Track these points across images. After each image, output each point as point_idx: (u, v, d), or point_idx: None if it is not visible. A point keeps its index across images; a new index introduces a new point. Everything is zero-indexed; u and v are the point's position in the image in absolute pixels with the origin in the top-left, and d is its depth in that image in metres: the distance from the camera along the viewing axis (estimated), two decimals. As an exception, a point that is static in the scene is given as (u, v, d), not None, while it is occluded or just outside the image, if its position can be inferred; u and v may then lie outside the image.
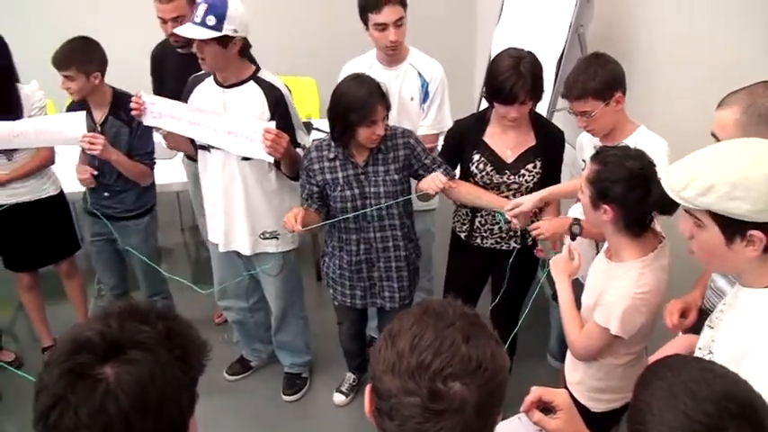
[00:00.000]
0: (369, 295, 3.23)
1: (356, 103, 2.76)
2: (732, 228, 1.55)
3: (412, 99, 3.38)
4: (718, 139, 1.89)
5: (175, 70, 3.44)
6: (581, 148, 3.02)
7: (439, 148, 3.32)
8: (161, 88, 3.72)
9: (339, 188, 2.96)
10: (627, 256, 2.25)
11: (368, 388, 1.20)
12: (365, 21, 3.25)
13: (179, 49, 3.61)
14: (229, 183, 3.19)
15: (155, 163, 3.57)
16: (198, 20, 2.87)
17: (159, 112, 3.18)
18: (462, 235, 3.22)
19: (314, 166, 2.98)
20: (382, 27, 3.20)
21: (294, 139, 3.11)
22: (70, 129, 3.24)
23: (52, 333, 4.14)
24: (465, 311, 1.19)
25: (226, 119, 3.04)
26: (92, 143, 3.20)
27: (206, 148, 3.17)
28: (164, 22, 3.58)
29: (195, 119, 3.10)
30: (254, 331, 3.83)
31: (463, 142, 3.03)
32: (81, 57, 3.25)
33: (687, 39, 3.23)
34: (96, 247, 3.75)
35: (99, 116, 3.40)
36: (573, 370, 2.55)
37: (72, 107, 3.43)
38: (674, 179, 1.60)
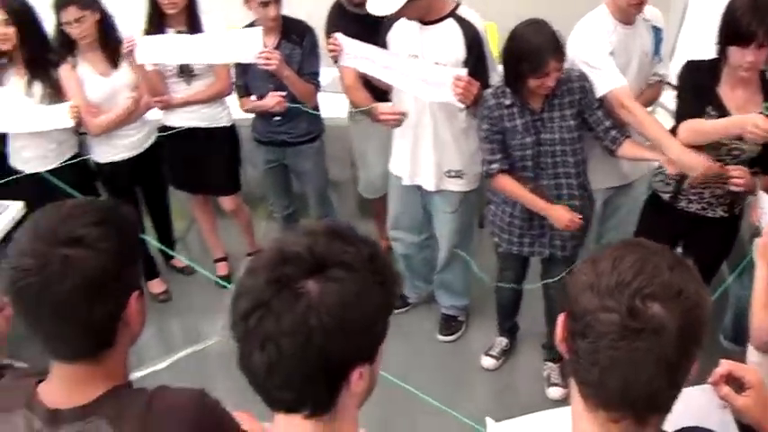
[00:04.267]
0: (538, 244, 3.16)
1: (529, 54, 2.69)
2: None
3: (647, 55, 3.14)
4: None
5: (349, 32, 3.37)
6: None
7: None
8: None
9: (519, 135, 2.91)
10: None
11: (561, 317, 1.16)
12: None
13: (353, 9, 3.56)
14: (419, 117, 3.22)
15: (320, 84, 3.67)
16: None
17: (355, 54, 3.23)
18: (666, 196, 3.04)
19: (494, 114, 2.93)
20: None
21: (487, 80, 3.07)
22: (247, 45, 3.35)
23: (224, 246, 4.36)
24: (673, 252, 1.14)
25: (417, 65, 3.05)
26: (268, 58, 3.30)
27: None
28: None
29: (389, 63, 3.14)
30: (418, 268, 3.86)
31: (696, 89, 2.78)
32: None
33: None
34: (270, 174, 3.91)
35: (270, 42, 3.48)
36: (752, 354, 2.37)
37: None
38: None
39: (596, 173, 3.17)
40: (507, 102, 2.91)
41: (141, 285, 1.32)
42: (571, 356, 1.13)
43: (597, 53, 2.93)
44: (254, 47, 3.32)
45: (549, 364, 3.48)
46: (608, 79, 2.90)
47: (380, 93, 3.36)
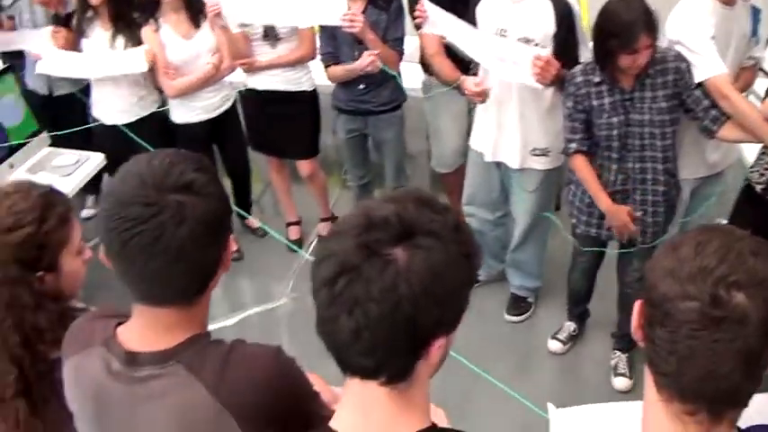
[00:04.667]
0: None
1: (620, 29, 2.61)
2: None
3: (745, 36, 2.99)
4: None
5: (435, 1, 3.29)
6: None
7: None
8: None
9: (606, 115, 2.83)
10: None
11: (638, 303, 1.12)
12: None
13: None
14: (504, 94, 3.16)
15: (403, 51, 3.62)
16: None
17: (439, 24, 3.18)
18: (758, 187, 2.91)
19: (581, 91, 2.86)
20: None
21: (576, 56, 3.01)
22: (331, 7, 3.33)
23: (297, 210, 4.39)
24: (756, 238, 1.08)
25: (498, 43, 3.00)
26: (352, 21, 3.28)
27: None
28: None
29: (470, 37, 3.09)
30: (490, 245, 3.81)
31: None
32: None
33: None
34: (350, 143, 3.92)
35: (357, 7, 3.44)
36: None
37: None
38: None
39: (684, 162, 3.07)
40: (596, 79, 2.83)
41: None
42: (647, 345, 1.09)
43: (698, 37, 2.79)
44: (338, 9, 3.31)
45: (618, 353, 3.39)
46: (708, 66, 2.77)
47: (463, 63, 3.30)
